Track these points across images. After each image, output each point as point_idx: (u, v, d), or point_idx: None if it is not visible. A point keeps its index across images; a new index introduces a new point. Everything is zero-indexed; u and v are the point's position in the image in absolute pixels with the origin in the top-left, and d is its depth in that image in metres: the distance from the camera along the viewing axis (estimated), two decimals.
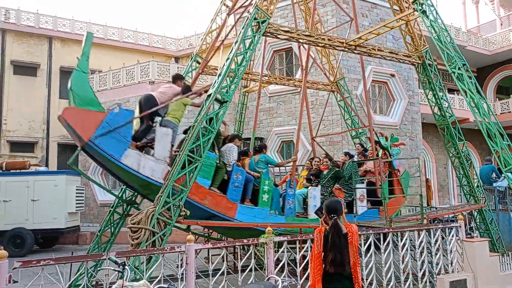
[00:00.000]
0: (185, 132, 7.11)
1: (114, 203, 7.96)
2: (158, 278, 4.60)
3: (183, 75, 9.51)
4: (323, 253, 3.61)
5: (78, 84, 5.81)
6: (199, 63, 9.74)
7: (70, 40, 19.97)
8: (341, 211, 3.71)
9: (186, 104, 6.88)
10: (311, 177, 8.33)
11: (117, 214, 7.92)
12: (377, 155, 8.62)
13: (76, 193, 13.37)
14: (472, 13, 27.50)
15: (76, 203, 13.30)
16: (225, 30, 9.15)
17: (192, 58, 9.79)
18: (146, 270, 4.79)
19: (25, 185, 12.58)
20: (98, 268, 7.14)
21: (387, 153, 8.79)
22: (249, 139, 15.92)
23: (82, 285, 4.12)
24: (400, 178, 8.80)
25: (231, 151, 7.26)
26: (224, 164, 7.01)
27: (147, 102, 6.59)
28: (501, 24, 24.67)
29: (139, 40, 22.16)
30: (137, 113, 6.55)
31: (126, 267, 3.41)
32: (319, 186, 7.85)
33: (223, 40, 9.05)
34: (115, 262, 3.50)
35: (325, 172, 8.28)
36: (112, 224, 7.86)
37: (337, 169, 8.25)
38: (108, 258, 3.80)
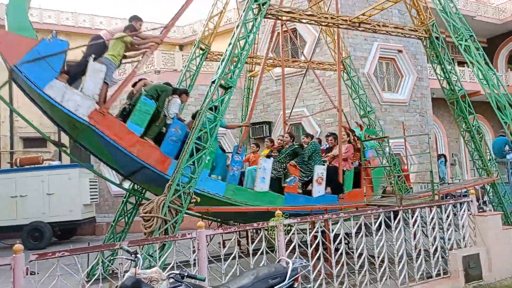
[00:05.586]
0: (193, 116, 7.08)
1: (127, 194, 8.09)
2: (172, 265, 4.69)
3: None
4: None
5: (13, 9, 5.70)
6: (202, 49, 9.70)
7: (74, 33, 19.99)
8: None
9: (124, 42, 6.60)
10: (272, 153, 8.02)
11: (130, 204, 8.05)
12: (349, 141, 8.43)
13: (90, 185, 13.61)
14: None
15: (91, 195, 13.56)
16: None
17: (195, 45, 9.75)
18: (159, 257, 4.89)
19: (40, 180, 12.85)
20: (114, 257, 7.31)
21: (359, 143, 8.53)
22: (257, 123, 15.95)
23: (97, 274, 4.23)
24: (370, 170, 8.39)
25: (173, 104, 6.92)
26: (165, 116, 6.66)
27: (92, 39, 6.56)
28: None
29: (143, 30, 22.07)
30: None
31: (138, 255, 3.47)
32: (272, 159, 7.43)
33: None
34: (127, 251, 3.57)
35: (284, 148, 8.01)
36: (126, 214, 8.01)
37: (296, 146, 7.96)
38: (120, 248, 3.87)
